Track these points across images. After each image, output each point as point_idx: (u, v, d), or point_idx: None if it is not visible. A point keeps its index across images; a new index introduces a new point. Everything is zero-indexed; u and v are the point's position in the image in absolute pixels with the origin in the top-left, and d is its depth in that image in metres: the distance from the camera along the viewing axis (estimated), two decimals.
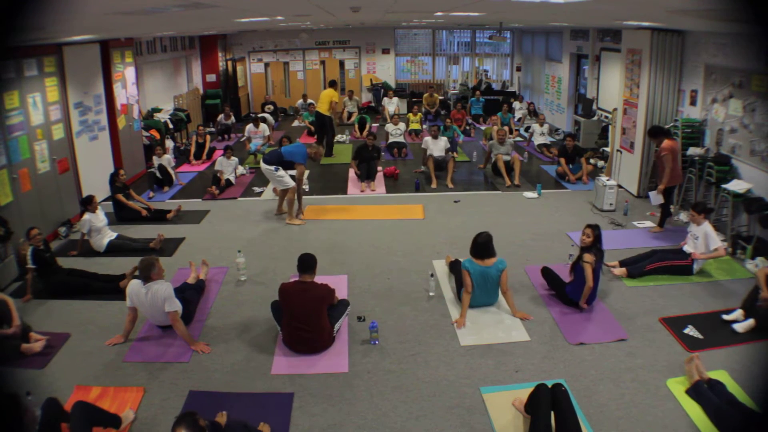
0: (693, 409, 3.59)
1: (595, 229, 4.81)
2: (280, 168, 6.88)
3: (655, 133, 6.55)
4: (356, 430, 3.53)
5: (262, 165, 6.96)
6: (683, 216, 6.93)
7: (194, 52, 13.80)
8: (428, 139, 9.15)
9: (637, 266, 5.47)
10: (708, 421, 3.47)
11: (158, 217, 7.25)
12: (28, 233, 5.29)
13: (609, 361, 4.15)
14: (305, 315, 4.25)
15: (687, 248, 5.49)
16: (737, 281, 5.31)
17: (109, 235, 6.27)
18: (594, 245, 4.78)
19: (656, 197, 6.48)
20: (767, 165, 5.82)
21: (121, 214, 7.23)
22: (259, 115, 11.58)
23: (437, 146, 9.04)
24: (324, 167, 9.96)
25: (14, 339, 4.31)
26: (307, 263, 4.36)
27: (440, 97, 14.82)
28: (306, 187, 8.54)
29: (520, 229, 6.74)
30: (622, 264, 5.55)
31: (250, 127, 10.90)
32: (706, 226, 5.33)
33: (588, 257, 4.71)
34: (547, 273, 5.22)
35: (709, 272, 5.52)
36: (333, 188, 8.42)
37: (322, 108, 10.25)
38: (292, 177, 6.98)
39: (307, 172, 9.23)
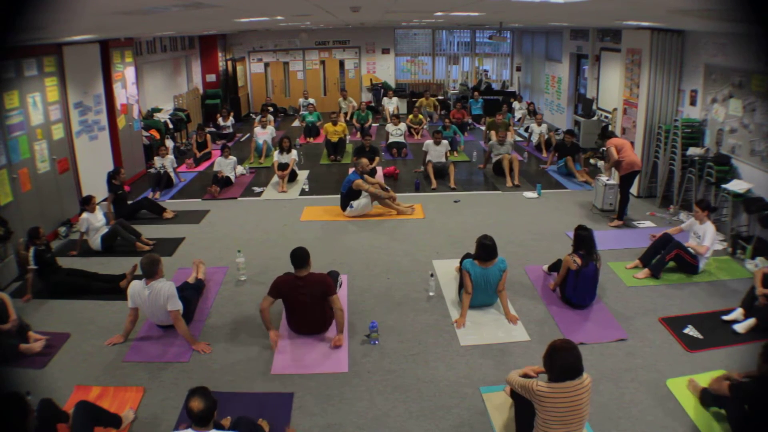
0: (693, 409, 3.59)
1: (580, 230, 4.96)
2: (352, 203, 7.23)
3: (603, 135, 7.83)
4: (356, 430, 3.54)
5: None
6: (683, 216, 6.93)
7: (194, 52, 13.80)
8: (430, 143, 9.01)
9: (658, 263, 5.43)
10: (708, 420, 3.47)
11: (156, 211, 7.30)
12: (37, 233, 5.27)
13: (609, 361, 4.16)
14: (306, 310, 4.37)
15: (690, 248, 5.48)
16: (737, 281, 5.31)
17: (102, 231, 6.24)
18: (583, 246, 4.88)
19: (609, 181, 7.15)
20: (767, 165, 5.82)
21: (121, 213, 7.22)
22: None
23: (437, 152, 8.96)
24: (324, 168, 9.99)
25: (10, 335, 4.31)
26: (301, 258, 4.37)
27: (439, 97, 14.77)
28: (306, 187, 8.55)
29: (520, 229, 6.74)
30: (642, 262, 5.55)
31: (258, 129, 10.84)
32: (709, 226, 5.34)
33: (567, 258, 4.90)
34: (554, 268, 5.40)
35: (710, 272, 5.52)
36: (333, 188, 8.41)
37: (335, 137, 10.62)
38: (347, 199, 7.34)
39: (307, 172, 9.27)
